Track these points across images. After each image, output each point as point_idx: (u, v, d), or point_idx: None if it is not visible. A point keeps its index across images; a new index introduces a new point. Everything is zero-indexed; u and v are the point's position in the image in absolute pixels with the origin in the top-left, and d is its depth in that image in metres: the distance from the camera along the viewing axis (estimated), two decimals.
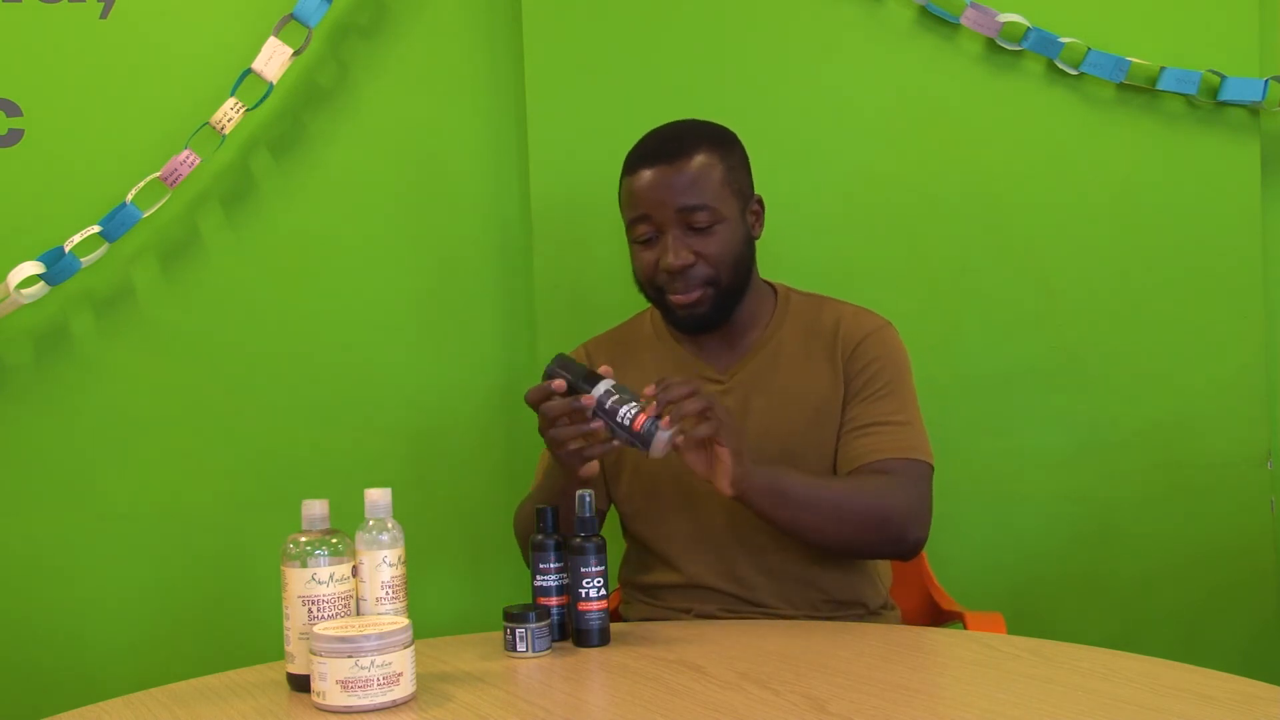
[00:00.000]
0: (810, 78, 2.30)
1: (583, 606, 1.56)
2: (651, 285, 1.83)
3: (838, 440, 1.81)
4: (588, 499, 1.59)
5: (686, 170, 1.78)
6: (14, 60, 2.15)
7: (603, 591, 1.56)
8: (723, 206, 1.79)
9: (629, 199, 1.83)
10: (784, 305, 1.91)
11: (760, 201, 1.89)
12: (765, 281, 1.92)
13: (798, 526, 1.71)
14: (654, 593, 1.88)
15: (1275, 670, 2.27)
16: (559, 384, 1.59)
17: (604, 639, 1.57)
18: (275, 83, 2.14)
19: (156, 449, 2.22)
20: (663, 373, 1.86)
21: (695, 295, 1.79)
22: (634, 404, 1.57)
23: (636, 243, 1.83)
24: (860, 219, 2.30)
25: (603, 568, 1.56)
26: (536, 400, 1.62)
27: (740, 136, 1.89)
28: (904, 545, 1.76)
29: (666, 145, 1.82)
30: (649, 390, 1.58)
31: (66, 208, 2.14)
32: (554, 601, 1.57)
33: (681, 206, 1.77)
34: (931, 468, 1.79)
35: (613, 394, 1.58)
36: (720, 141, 1.84)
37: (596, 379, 1.60)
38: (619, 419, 1.57)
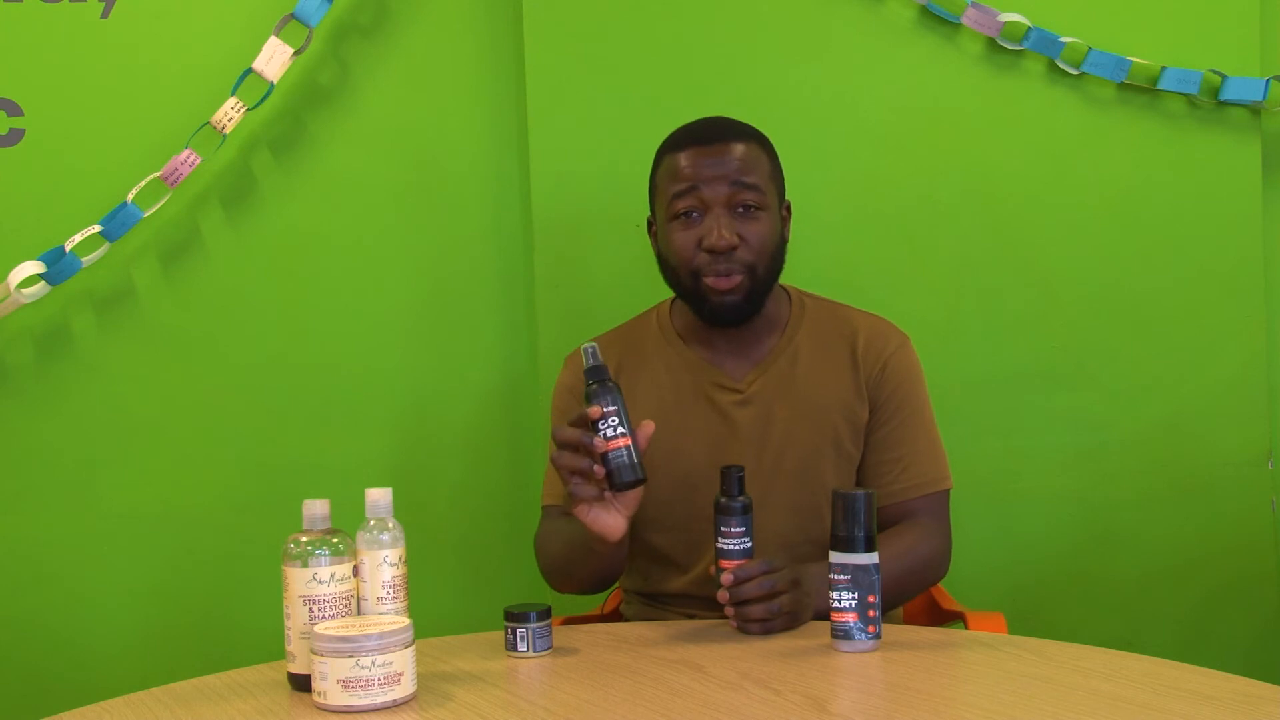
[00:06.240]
0: (810, 78, 2.29)
1: (611, 445, 1.53)
2: (688, 268, 1.78)
3: (863, 456, 1.83)
4: (591, 349, 1.57)
5: (739, 151, 1.78)
6: (14, 60, 2.15)
7: (620, 430, 1.53)
8: (769, 195, 1.79)
9: (674, 173, 1.79)
10: (799, 310, 1.89)
11: (789, 207, 1.88)
12: (780, 285, 1.89)
13: None
14: (660, 600, 1.88)
15: (1277, 670, 2.27)
16: (595, 410, 1.54)
17: (635, 474, 1.54)
18: (276, 82, 2.14)
19: (156, 449, 2.22)
20: (674, 379, 1.86)
21: (735, 280, 1.76)
22: (620, 427, 1.54)
23: (676, 219, 1.78)
24: (860, 219, 2.30)
25: (618, 407, 1.54)
26: (572, 422, 1.57)
27: None
28: (931, 585, 1.90)
29: (717, 128, 1.81)
30: (725, 578, 1.56)
31: (67, 207, 2.14)
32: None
33: (735, 181, 1.75)
34: (951, 487, 1.85)
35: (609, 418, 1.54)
36: (763, 139, 1.85)
37: (601, 391, 1.55)
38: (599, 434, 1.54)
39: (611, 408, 1.54)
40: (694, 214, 1.77)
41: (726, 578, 1.56)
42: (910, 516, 1.81)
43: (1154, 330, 2.32)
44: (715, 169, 1.76)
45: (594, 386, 1.56)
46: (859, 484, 1.84)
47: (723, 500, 1.59)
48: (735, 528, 1.58)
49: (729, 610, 1.57)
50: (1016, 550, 2.33)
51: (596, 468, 1.54)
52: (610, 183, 2.24)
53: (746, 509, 1.59)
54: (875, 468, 1.83)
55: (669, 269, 1.83)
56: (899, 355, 1.85)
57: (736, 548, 1.58)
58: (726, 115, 1.87)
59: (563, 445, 1.56)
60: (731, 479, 1.59)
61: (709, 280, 1.77)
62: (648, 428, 1.58)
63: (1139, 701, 1.27)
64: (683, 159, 1.78)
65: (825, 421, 1.82)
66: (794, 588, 1.58)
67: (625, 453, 1.54)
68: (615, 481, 1.55)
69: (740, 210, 1.76)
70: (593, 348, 1.59)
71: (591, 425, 1.54)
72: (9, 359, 2.17)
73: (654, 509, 1.84)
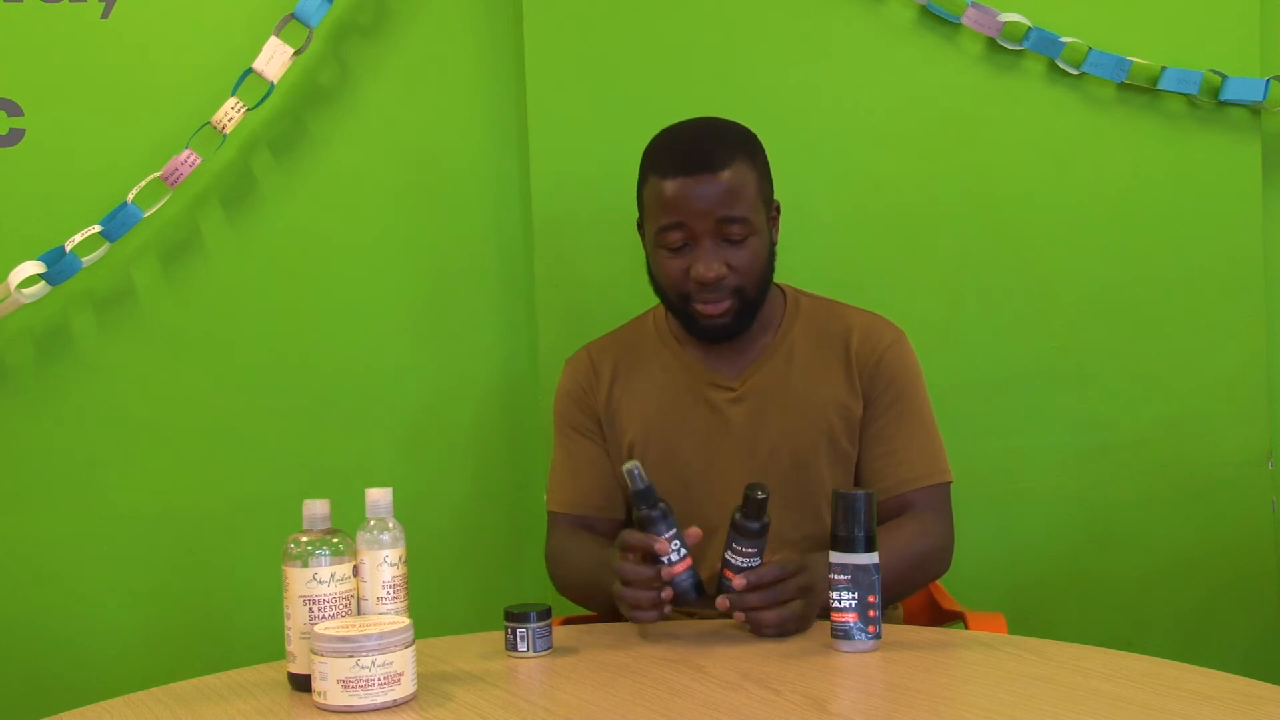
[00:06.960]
0: (811, 78, 2.29)
1: (676, 569, 1.56)
2: (677, 293, 1.79)
3: (860, 452, 1.83)
4: (636, 472, 1.57)
5: (726, 180, 1.74)
6: (14, 60, 2.15)
7: (683, 552, 1.56)
8: (756, 218, 1.76)
9: (661, 204, 1.76)
10: (794, 308, 1.89)
11: (778, 207, 1.86)
12: (775, 284, 1.90)
13: None
14: None
15: (1277, 670, 2.27)
16: (662, 546, 1.54)
17: (700, 590, 1.57)
18: (276, 82, 2.14)
19: (156, 449, 2.22)
20: (670, 379, 1.86)
21: (724, 306, 1.76)
22: (682, 549, 1.56)
23: (664, 249, 1.78)
24: (860, 219, 2.30)
25: (674, 530, 1.55)
26: (638, 550, 1.57)
27: None
28: (932, 580, 1.89)
29: (703, 151, 1.76)
30: (737, 582, 1.55)
31: (67, 207, 2.14)
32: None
33: (721, 217, 1.73)
34: (950, 481, 1.84)
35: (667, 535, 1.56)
36: (751, 148, 1.81)
37: (658, 517, 1.56)
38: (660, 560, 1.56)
39: (669, 533, 1.56)
40: (682, 245, 1.76)
41: (739, 581, 1.55)
42: (908, 510, 1.81)
43: (1154, 330, 2.32)
44: (701, 202, 1.73)
45: (647, 512, 1.56)
46: (857, 481, 1.84)
47: (738, 518, 1.58)
48: (748, 548, 1.57)
49: (739, 616, 1.56)
50: (1016, 550, 2.33)
51: (665, 593, 1.55)
52: (610, 183, 2.24)
53: (762, 532, 1.57)
54: (871, 463, 1.83)
55: (658, 289, 1.84)
56: (893, 350, 1.85)
57: (744, 565, 1.57)
58: (725, 116, 1.86)
59: (631, 583, 1.56)
60: (754, 501, 1.57)
61: (698, 306, 1.78)
62: (695, 535, 1.59)
63: (1139, 701, 1.27)
64: (668, 188, 1.75)
65: (820, 418, 1.82)
66: (806, 594, 1.57)
67: (689, 575, 1.56)
68: (680, 602, 1.57)
69: (728, 240, 1.75)
70: (636, 468, 1.57)
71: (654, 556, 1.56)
72: (9, 359, 2.17)
73: None
